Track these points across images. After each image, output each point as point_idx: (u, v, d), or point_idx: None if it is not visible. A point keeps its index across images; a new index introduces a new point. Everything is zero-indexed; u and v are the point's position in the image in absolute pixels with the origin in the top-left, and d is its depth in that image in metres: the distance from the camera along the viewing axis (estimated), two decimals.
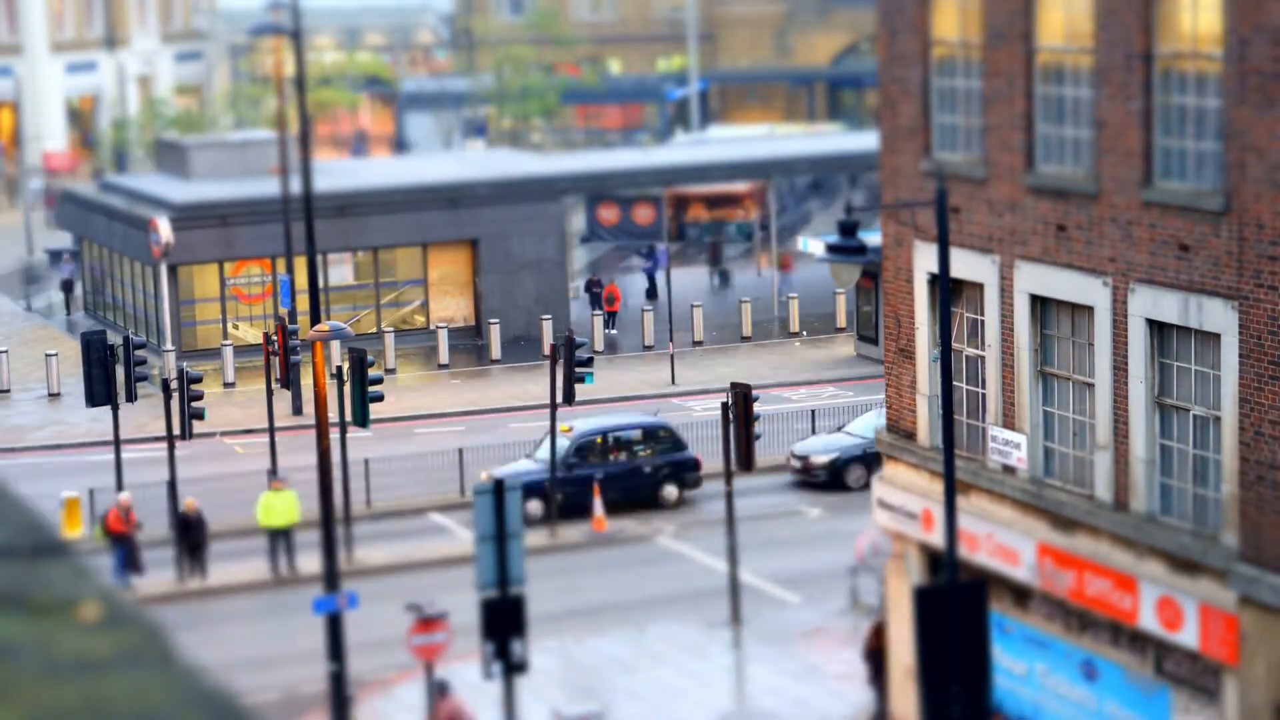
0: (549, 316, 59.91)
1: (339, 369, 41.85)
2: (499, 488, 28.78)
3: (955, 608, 23.51)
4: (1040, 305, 27.00)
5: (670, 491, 44.48)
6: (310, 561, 38.59)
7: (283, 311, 55.43)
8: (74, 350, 54.93)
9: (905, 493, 29.51)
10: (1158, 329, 25.03)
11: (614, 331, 61.70)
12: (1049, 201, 26.51)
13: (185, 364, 47.89)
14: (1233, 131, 23.41)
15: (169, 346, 57.42)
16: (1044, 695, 28.06)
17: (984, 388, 28.04)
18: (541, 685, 33.14)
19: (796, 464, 45.91)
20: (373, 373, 40.54)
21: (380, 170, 68.95)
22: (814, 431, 48.48)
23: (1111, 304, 25.53)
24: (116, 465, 43.25)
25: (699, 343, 60.67)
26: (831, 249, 25.16)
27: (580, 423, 45.24)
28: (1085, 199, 25.88)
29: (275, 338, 46.31)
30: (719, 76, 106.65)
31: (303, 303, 54.14)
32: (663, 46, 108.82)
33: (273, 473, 42.46)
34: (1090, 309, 26.01)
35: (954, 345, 27.73)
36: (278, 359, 46.08)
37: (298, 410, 52.26)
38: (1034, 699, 28.28)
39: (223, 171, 64.35)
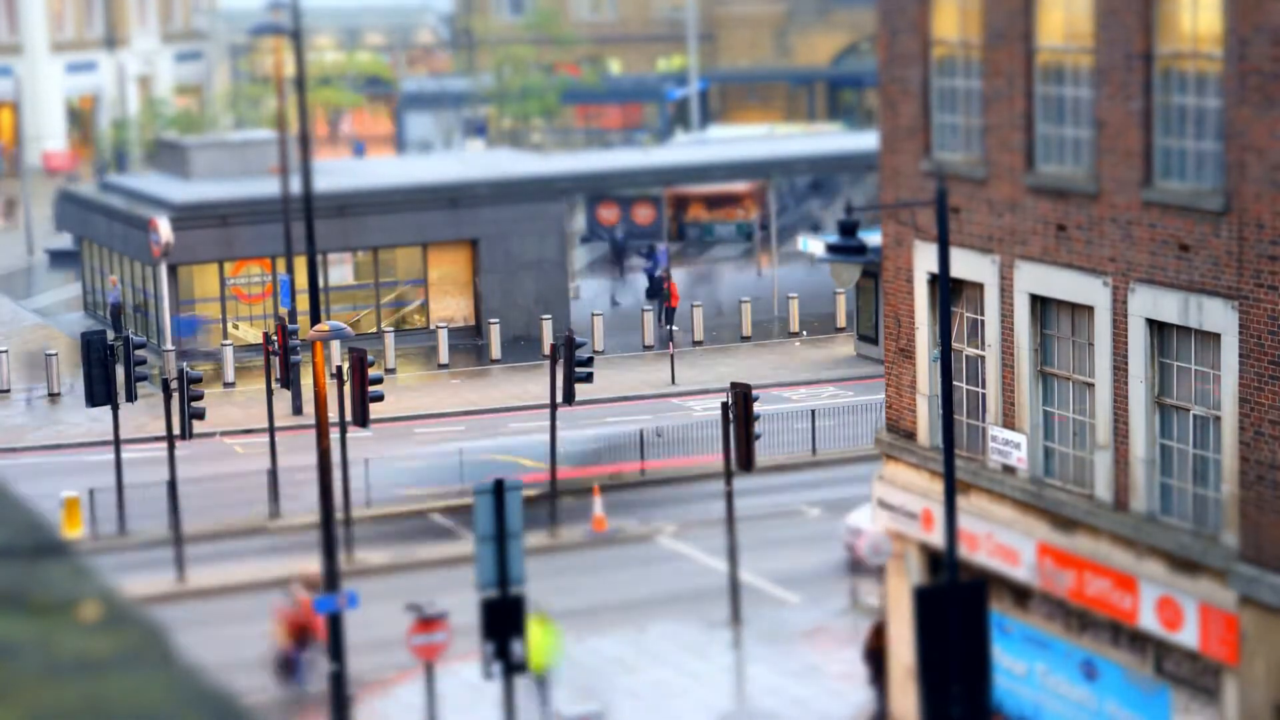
0: (549, 316, 59.92)
1: (339, 369, 41.86)
2: (499, 487, 28.79)
3: (955, 608, 23.51)
4: (1040, 305, 27.00)
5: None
6: (310, 562, 38.56)
7: (283, 311, 55.44)
8: (74, 350, 54.92)
9: (905, 493, 29.51)
10: (1158, 329, 25.03)
11: (675, 327, 60.18)
12: (1049, 201, 26.51)
13: (185, 364, 47.89)
14: (1233, 131, 23.41)
15: (169, 346, 57.44)
16: (1044, 695, 28.06)
17: (984, 388, 28.04)
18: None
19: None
20: (373, 373, 40.54)
21: (380, 170, 68.95)
22: (814, 432, 48.47)
23: (1111, 304, 25.54)
24: (116, 465, 43.26)
25: (699, 342, 60.67)
26: (831, 249, 25.16)
27: None
28: (1085, 199, 25.89)
29: (275, 338, 46.32)
30: (719, 76, 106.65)
31: (303, 303, 54.16)
32: (663, 46, 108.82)
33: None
34: (1090, 309, 26.01)
35: (954, 345, 27.74)
36: (278, 359, 46.10)
37: (298, 410, 52.26)
38: (1034, 699, 28.28)
39: (223, 171, 64.36)
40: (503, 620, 28.39)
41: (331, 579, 31.76)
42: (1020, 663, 28.26)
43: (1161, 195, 24.68)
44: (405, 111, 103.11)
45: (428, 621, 30.59)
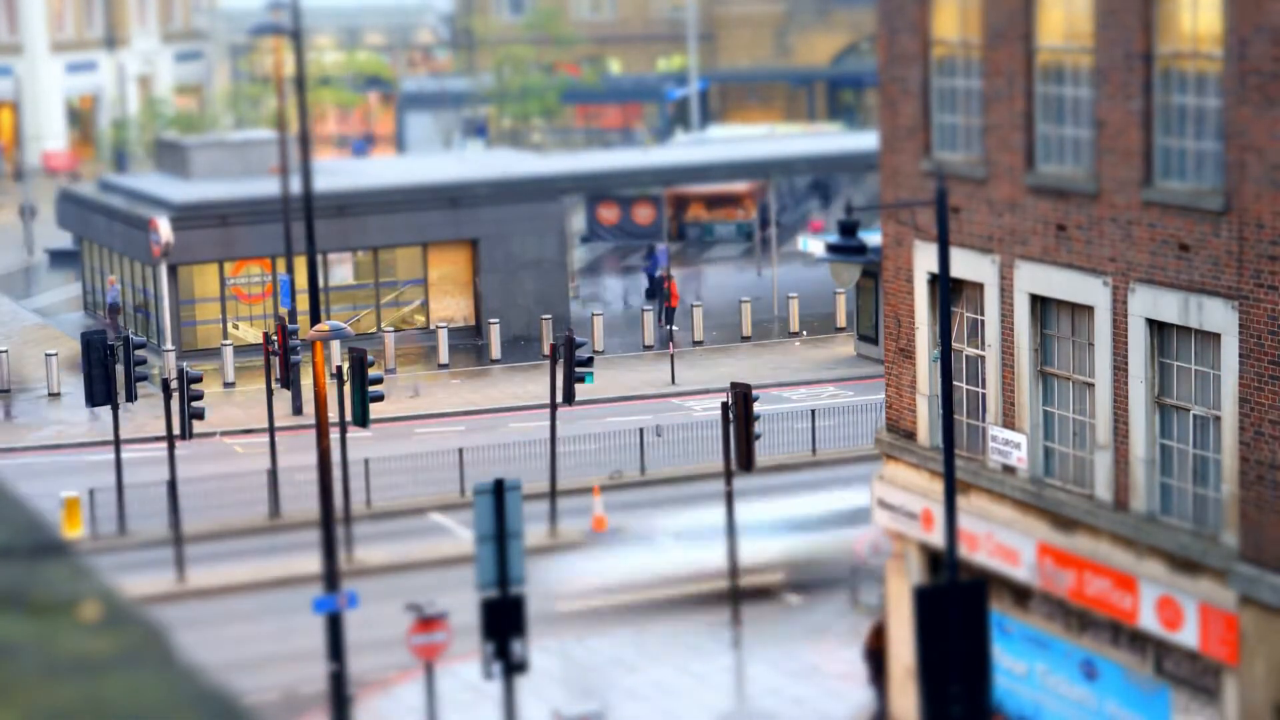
0: (549, 316, 59.92)
1: (339, 369, 41.86)
2: (499, 487, 28.78)
3: (955, 608, 23.51)
4: (1040, 305, 27.00)
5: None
6: (310, 561, 38.57)
7: (283, 311, 55.44)
8: (74, 350, 54.92)
9: (905, 492, 29.51)
10: (1158, 329, 25.04)
11: (675, 327, 60.19)
12: (1049, 201, 26.51)
13: (185, 364, 47.89)
14: (1233, 131, 23.41)
15: (169, 346, 57.44)
16: (1044, 695, 28.06)
17: (984, 388, 28.04)
18: (541, 685, 33.14)
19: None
20: (373, 373, 40.54)
21: (380, 170, 68.96)
22: (814, 431, 48.46)
23: (1111, 304, 25.54)
24: (117, 465, 43.27)
25: (699, 342, 60.68)
26: (831, 249, 25.15)
27: None
28: (1085, 199, 25.89)
29: (275, 337, 46.32)
30: (719, 76, 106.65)
31: (303, 303, 54.17)
32: (663, 46, 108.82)
33: None
34: (1090, 309, 26.02)
35: (954, 345, 27.74)
36: (278, 359, 46.10)
37: (298, 410, 52.27)
38: (1034, 699, 28.28)
39: (223, 171, 64.36)
40: (503, 620, 28.39)
41: (331, 579, 31.76)
42: (1020, 663, 28.26)
43: (1161, 195, 24.68)
44: (405, 111, 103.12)
45: (428, 621, 30.59)
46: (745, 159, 69.96)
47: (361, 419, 40.12)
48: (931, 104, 28.59)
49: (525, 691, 31.68)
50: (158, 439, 46.95)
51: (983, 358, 27.99)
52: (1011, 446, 27.43)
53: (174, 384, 42.48)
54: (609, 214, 76.95)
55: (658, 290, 64.00)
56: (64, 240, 77.58)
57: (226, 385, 56.19)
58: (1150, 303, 24.90)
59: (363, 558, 41.31)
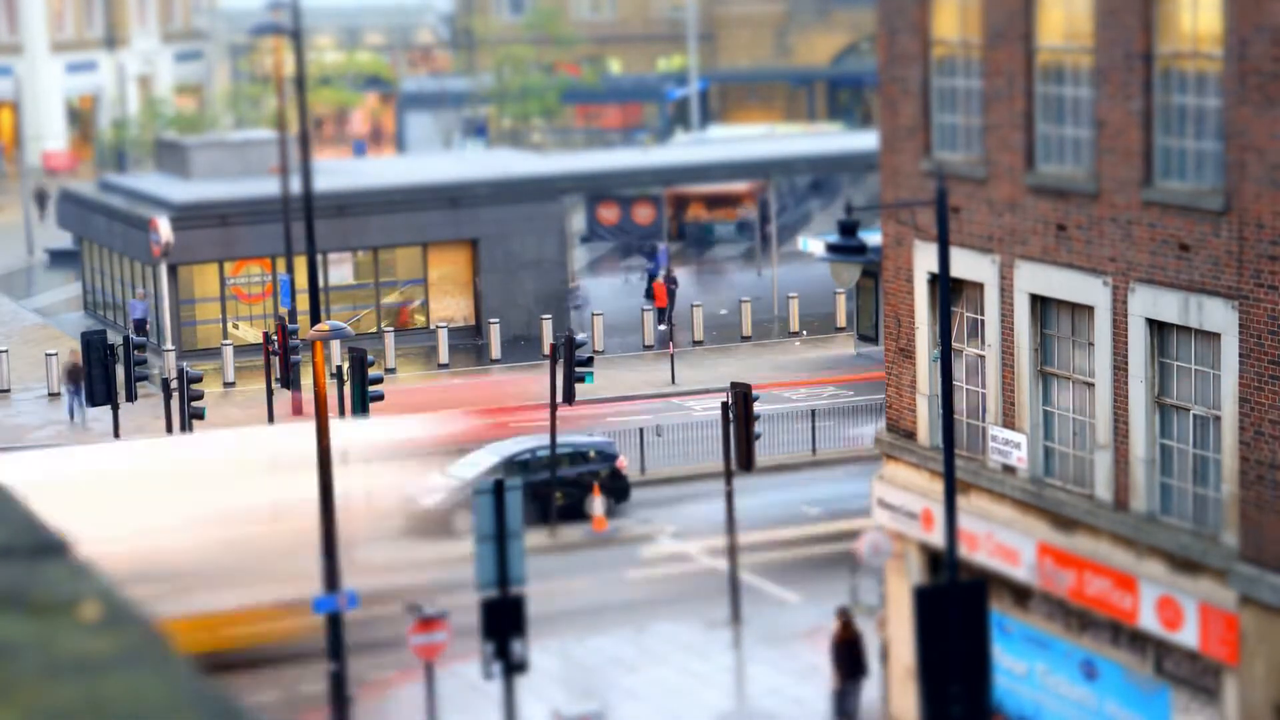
0: (549, 316, 59.93)
1: (339, 369, 41.85)
2: (499, 487, 28.78)
3: (955, 608, 23.51)
4: (1040, 305, 27.00)
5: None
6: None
7: (283, 311, 55.45)
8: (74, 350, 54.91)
9: (905, 492, 29.51)
10: (1158, 329, 25.04)
11: (672, 324, 60.37)
12: (1049, 201, 26.51)
13: (185, 363, 47.89)
14: (1233, 131, 23.41)
15: (169, 346, 57.44)
16: (1044, 695, 28.06)
17: (984, 387, 28.04)
18: (541, 685, 33.14)
19: None
20: (373, 372, 40.54)
21: (380, 170, 68.96)
22: (814, 431, 48.45)
23: (1111, 303, 25.54)
24: None
25: (699, 342, 60.68)
26: (831, 249, 25.15)
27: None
28: (1085, 199, 25.89)
29: (275, 337, 46.32)
30: (719, 76, 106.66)
31: (303, 302, 54.17)
32: (663, 46, 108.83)
33: None
34: (1090, 309, 26.01)
35: (954, 345, 27.74)
36: (278, 359, 46.10)
37: (298, 410, 52.25)
38: (1034, 699, 28.28)
39: (223, 171, 64.36)
40: (503, 620, 28.38)
41: (331, 579, 31.75)
42: (1020, 663, 28.26)
43: (1161, 195, 24.68)
44: (405, 111, 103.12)
45: (428, 621, 30.59)
46: (745, 159, 69.96)
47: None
48: (931, 104, 28.59)
49: (525, 691, 31.67)
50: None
51: (983, 358, 27.99)
52: (1011, 446, 27.43)
53: (174, 384, 42.48)
54: (609, 214, 76.94)
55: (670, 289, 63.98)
56: (64, 240, 77.59)
57: (226, 385, 56.18)
58: (1150, 303, 24.90)
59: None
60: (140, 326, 60.90)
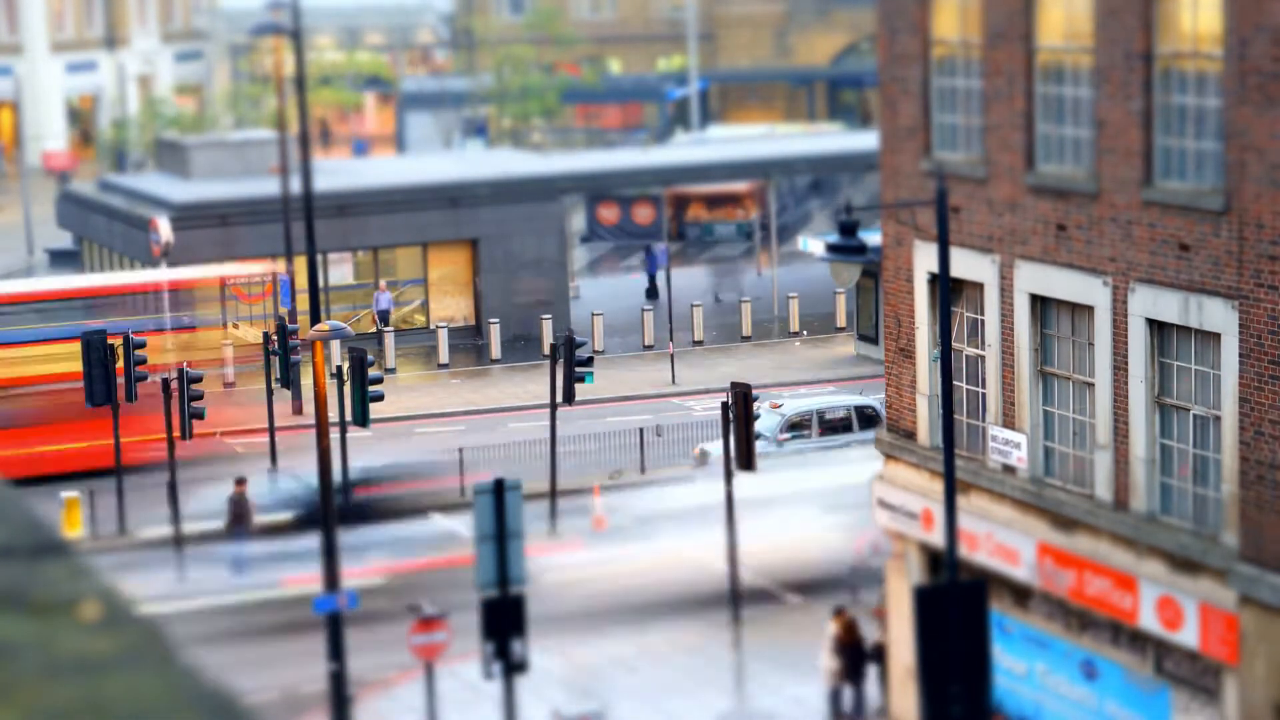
0: (549, 316, 59.93)
1: (339, 369, 41.85)
2: (499, 487, 28.77)
3: (955, 608, 23.51)
4: (1040, 305, 27.00)
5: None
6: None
7: (283, 311, 55.44)
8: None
9: (905, 492, 29.51)
10: (1158, 328, 25.04)
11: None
12: (1049, 201, 26.51)
13: (185, 364, 47.85)
14: (1233, 131, 23.41)
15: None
16: (1044, 695, 28.06)
17: (984, 387, 28.04)
18: (541, 685, 33.13)
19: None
20: (373, 372, 40.54)
21: (380, 170, 68.96)
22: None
23: (1111, 303, 25.54)
24: (117, 465, 43.25)
25: (699, 342, 60.68)
26: (831, 249, 25.15)
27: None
28: (1085, 198, 25.89)
29: (275, 337, 46.32)
30: (719, 76, 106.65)
31: (303, 302, 54.16)
32: (663, 46, 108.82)
33: None
34: (1090, 309, 26.02)
35: (954, 345, 27.74)
36: (278, 359, 46.09)
37: (298, 410, 52.27)
38: (1034, 698, 28.28)
39: (223, 171, 64.36)
40: (503, 620, 28.38)
41: (331, 579, 31.75)
42: (1020, 662, 28.26)
43: (1161, 195, 24.68)
44: (405, 111, 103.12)
45: (428, 621, 30.59)
46: (745, 159, 69.94)
47: (361, 419, 40.11)
48: (931, 104, 28.59)
49: (525, 691, 31.67)
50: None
51: (983, 358, 27.99)
52: (1011, 446, 27.43)
53: (174, 384, 42.46)
54: (609, 214, 76.94)
55: (657, 291, 64.02)
56: (64, 240, 77.59)
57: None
58: (1150, 302, 24.90)
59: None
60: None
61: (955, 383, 27.87)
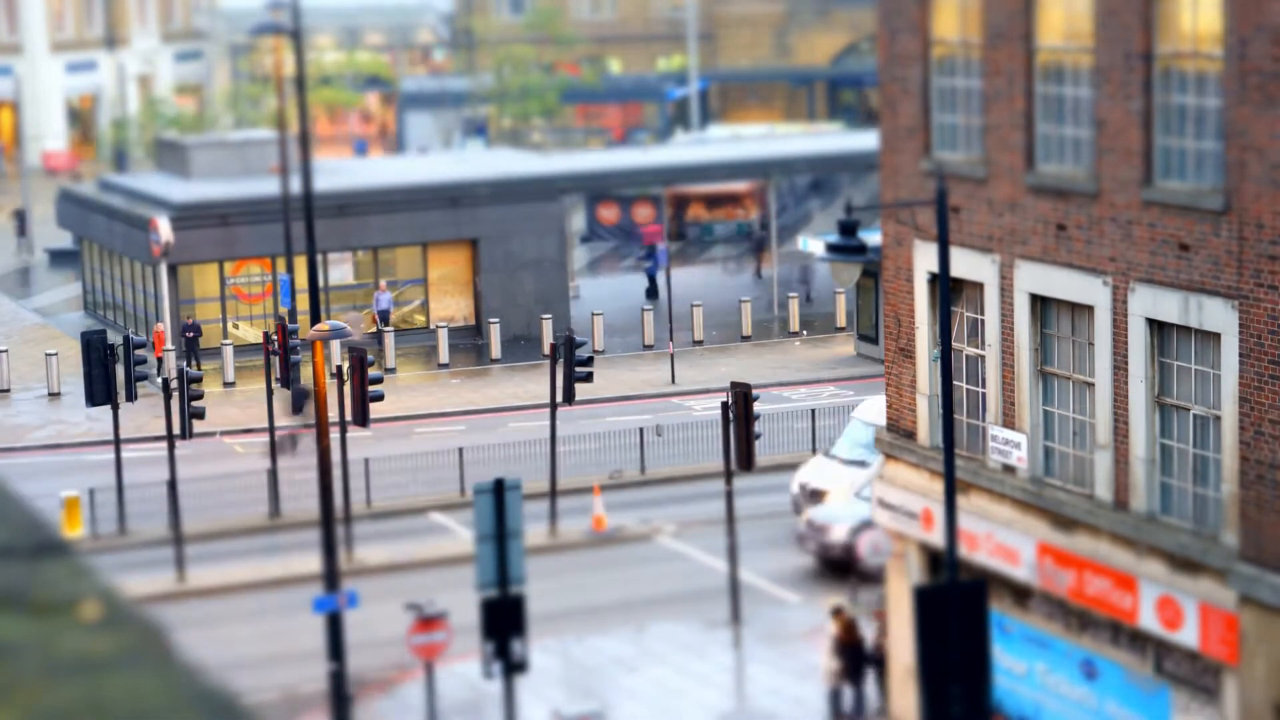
0: (549, 316, 59.93)
1: (339, 369, 41.85)
2: (499, 487, 28.78)
3: (955, 608, 23.51)
4: (1040, 305, 27.00)
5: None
6: (310, 561, 38.58)
7: (283, 311, 55.44)
8: (74, 349, 54.92)
9: (905, 492, 29.51)
10: (1158, 328, 25.04)
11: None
12: (1049, 201, 26.51)
13: (185, 363, 47.88)
14: (1233, 131, 23.41)
15: (169, 346, 57.44)
16: (1044, 695, 28.06)
17: (984, 387, 28.04)
18: (541, 685, 33.14)
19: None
20: (373, 372, 40.54)
21: (380, 170, 68.95)
22: (814, 432, 48.43)
23: (1111, 303, 25.54)
24: (117, 465, 43.27)
25: (699, 342, 60.69)
26: (831, 249, 25.15)
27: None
28: (1085, 198, 25.89)
29: (275, 337, 46.33)
30: (719, 76, 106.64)
31: (303, 302, 54.16)
32: (663, 46, 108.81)
33: None
34: (1090, 308, 26.02)
35: (954, 345, 27.74)
36: (278, 359, 46.10)
37: (298, 410, 52.24)
38: (1034, 698, 28.28)
39: (223, 171, 64.36)
40: (503, 620, 28.38)
41: (331, 579, 31.76)
42: (1020, 662, 28.26)
43: (1161, 195, 24.68)
44: (405, 111, 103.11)
45: (428, 621, 30.59)
46: (745, 159, 69.94)
47: (361, 419, 40.12)
48: (931, 104, 28.59)
49: (525, 691, 31.68)
50: (158, 439, 46.96)
51: (983, 357, 27.99)
52: (1011, 446, 27.43)
53: (174, 384, 42.47)
54: (609, 214, 76.94)
55: (657, 291, 64.00)
56: (64, 240, 77.60)
57: (226, 385, 56.19)
58: (1150, 302, 24.90)
59: (363, 557, 41.32)
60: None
61: (955, 383, 27.87)
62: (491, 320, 59.99)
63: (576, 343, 42.96)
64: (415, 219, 61.49)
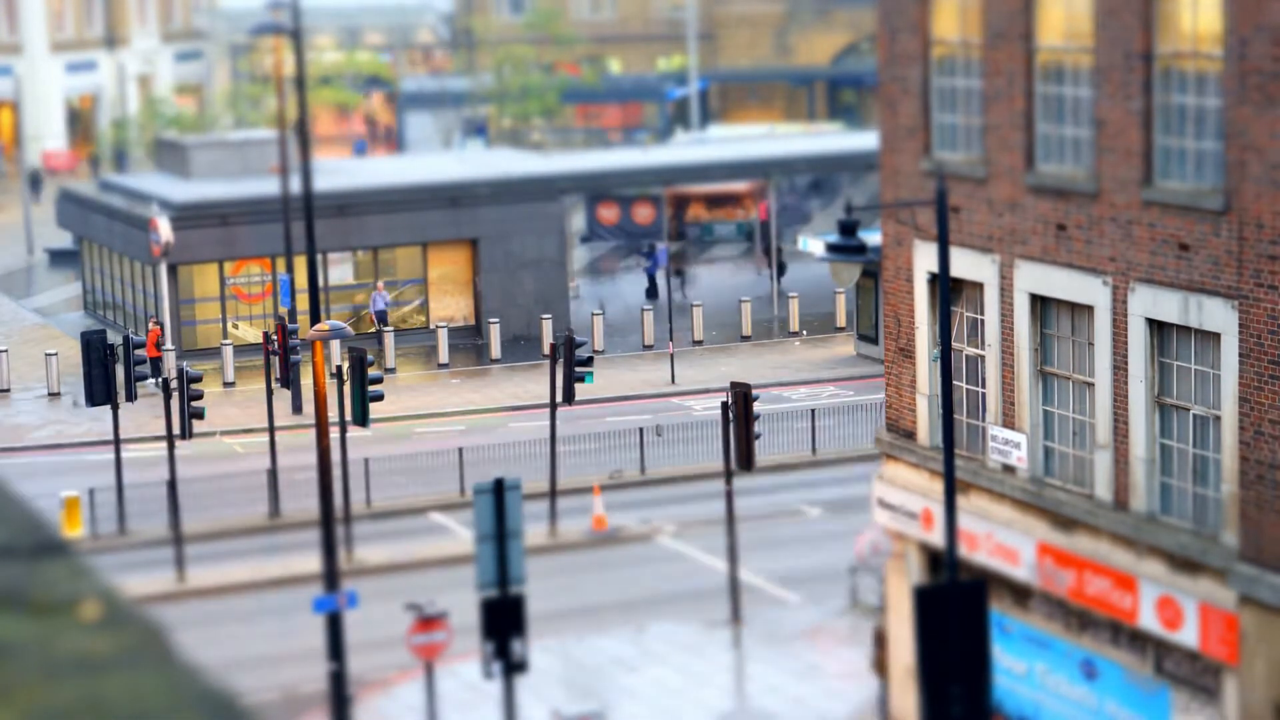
0: (549, 316, 59.94)
1: (339, 368, 41.86)
2: (499, 487, 28.78)
3: (955, 608, 23.51)
4: (1040, 304, 27.00)
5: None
6: (310, 561, 38.58)
7: (283, 311, 55.44)
8: (74, 349, 54.91)
9: (905, 492, 29.51)
10: (1157, 328, 25.04)
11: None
12: (1049, 201, 26.51)
13: (185, 363, 47.90)
14: (1233, 131, 23.41)
15: (169, 346, 57.45)
16: (1044, 695, 28.06)
17: (984, 387, 28.04)
18: (541, 685, 33.14)
19: None
20: (373, 372, 40.54)
21: (380, 170, 68.95)
22: (814, 431, 48.43)
23: (1111, 303, 25.54)
24: (116, 465, 43.27)
25: (699, 342, 60.70)
26: (831, 249, 25.15)
27: None
28: (1085, 198, 25.89)
29: (275, 337, 46.33)
30: (719, 76, 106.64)
31: (303, 302, 54.16)
32: (663, 46, 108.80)
33: None
34: (1090, 308, 26.02)
35: (954, 345, 27.74)
36: (278, 359, 46.11)
37: (298, 410, 52.27)
38: (1034, 698, 28.28)
39: (223, 171, 64.37)
40: (503, 620, 28.38)
41: (331, 578, 31.76)
42: (1020, 662, 28.26)
43: (1161, 195, 24.68)
44: (405, 111, 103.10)
45: (428, 621, 30.59)
46: (745, 159, 69.94)
47: (361, 419, 40.12)
48: (931, 104, 28.58)
49: (525, 691, 31.68)
50: (158, 439, 46.96)
51: (983, 357, 27.99)
52: (1011, 446, 27.43)
53: (174, 384, 42.47)
54: (609, 214, 76.94)
55: (657, 291, 64.01)
56: (64, 240, 77.60)
57: (226, 385, 56.20)
58: (1150, 302, 24.90)
59: (363, 557, 41.33)
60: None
61: (955, 382, 27.87)
62: (491, 320, 59.99)
63: (576, 343, 42.98)
64: (415, 219, 61.50)
